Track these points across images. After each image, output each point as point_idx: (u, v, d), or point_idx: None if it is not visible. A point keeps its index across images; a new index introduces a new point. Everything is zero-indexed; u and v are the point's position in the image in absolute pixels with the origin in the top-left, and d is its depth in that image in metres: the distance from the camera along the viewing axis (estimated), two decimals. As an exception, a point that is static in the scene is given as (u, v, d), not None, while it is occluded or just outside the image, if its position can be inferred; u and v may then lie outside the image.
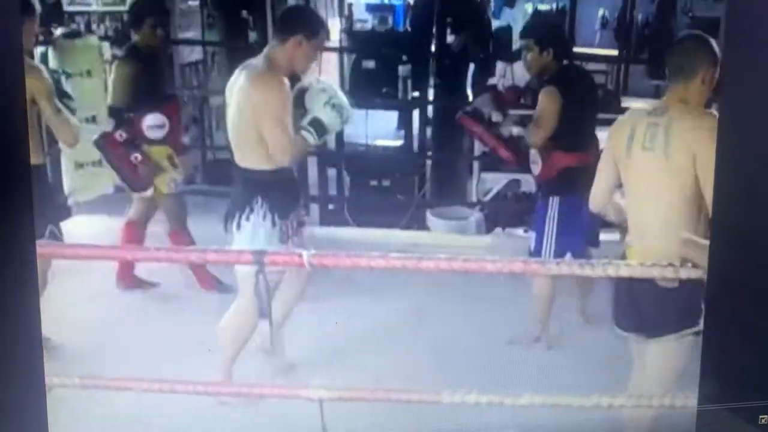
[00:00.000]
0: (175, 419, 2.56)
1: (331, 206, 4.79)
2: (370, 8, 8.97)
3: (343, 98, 2.78)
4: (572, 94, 3.11)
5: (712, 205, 2.39)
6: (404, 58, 4.74)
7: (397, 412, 2.54)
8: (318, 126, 2.74)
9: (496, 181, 4.59)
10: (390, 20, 8.46)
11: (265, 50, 2.77)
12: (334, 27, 7.29)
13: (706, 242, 2.32)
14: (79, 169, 4.18)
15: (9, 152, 2.36)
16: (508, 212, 4.55)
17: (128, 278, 3.70)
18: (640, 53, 7.12)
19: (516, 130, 3.15)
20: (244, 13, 6.34)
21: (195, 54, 5.84)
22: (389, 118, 5.13)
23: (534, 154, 3.21)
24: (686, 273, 2.28)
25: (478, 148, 4.57)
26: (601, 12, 8.41)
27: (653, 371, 2.45)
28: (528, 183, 4.78)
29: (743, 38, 2.44)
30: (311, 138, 2.74)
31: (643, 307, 2.38)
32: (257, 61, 2.75)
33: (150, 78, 3.68)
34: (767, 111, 2.55)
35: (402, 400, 2.35)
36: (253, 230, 2.72)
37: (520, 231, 4.45)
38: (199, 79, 5.92)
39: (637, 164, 2.36)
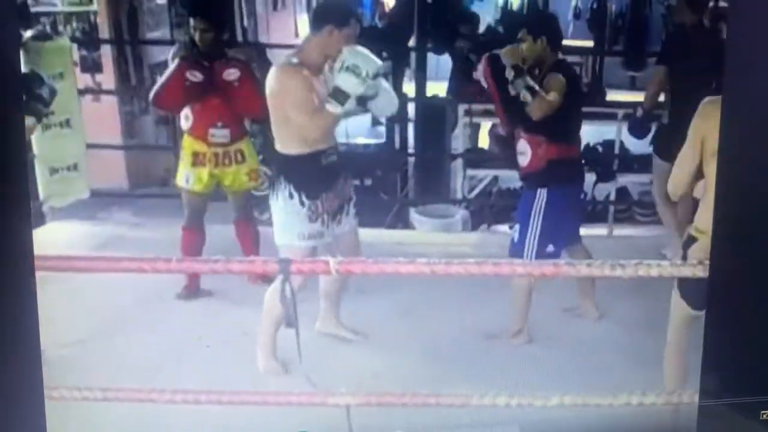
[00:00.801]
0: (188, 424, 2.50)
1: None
2: (340, 3, 8.88)
3: (359, 58, 2.84)
4: (570, 85, 3.11)
5: (714, 200, 2.37)
6: (384, 54, 4.65)
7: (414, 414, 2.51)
8: (338, 93, 2.84)
9: (481, 178, 4.56)
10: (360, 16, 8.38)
11: (301, 43, 3.02)
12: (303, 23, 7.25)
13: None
14: (54, 174, 4.06)
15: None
16: (493, 209, 4.52)
17: (194, 288, 3.65)
18: (615, 44, 7.14)
19: (523, 94, 3.07)
20: (214, 10, 6.23)
21: (164, 54, 5.69)
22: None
23: (523, 144, 3.18)
24: (656, 270, 2.24)
25: (462, 144, 4.54)
26: (573, 2, 8.43)
27: None
28: (507, 179, 4.77)
29: (746, 30, 2.40)
30: (333, 107, 2.84)
31: None
32: (286, 55, 2.96)
33: None
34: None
35: (430, 404, 2.30)
36: (284, 206, 2.96)
37: (504, 228, 4.42)
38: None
39: None
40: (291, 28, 6.74)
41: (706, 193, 2.45)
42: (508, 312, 3.28)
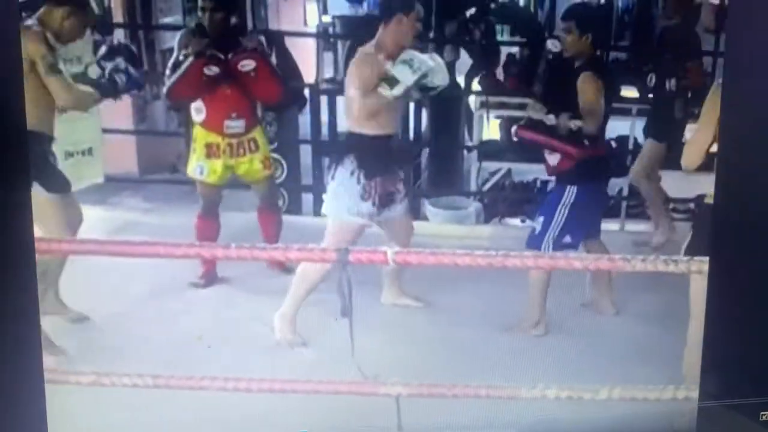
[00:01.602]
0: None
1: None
2: (344, -7, 8.86)
3: (415, 55, 3.12)
4: (605, 82, 3.17)
5: (713, 199, 2.41)
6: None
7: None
8: (389, 80, 3.11)
9: (494, 171, 4.57)
10: (365, 4, 8.37)
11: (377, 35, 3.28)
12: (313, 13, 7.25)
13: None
14: (68, 158, 4.05)
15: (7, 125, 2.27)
16: (506, 202, 4.54)
17: (212, 276, 3.64)
18: (621, 40, 7.15)
19: (573, 124, 3.16)
20: (224, -4, 6.21)
21: (176, 39, 5.67)
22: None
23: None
24: (696, 266, 2.28)
25: (476, 137, 4.55)
26: (579, -2, 8.43)
27: None
28: (520, 172, 4.79)
29: (745, 26, 2.44)
30: (384, 91, 3.11)
31: None
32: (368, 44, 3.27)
33: None
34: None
35: (481, 396, 2.33)
36: (340, 181, 3.22)
37: (516, 221, 4.46)
38: (181, 65, 5.77)
39: None
40: (300, 16, 6.72)
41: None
42: (527, 303, 3.32)
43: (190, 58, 3.58)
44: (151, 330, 3.23)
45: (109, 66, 3.41)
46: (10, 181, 2.30)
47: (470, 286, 3.40)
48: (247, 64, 3.65)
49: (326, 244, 3.08)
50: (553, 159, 3.29)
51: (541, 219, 3.36)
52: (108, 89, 3.38)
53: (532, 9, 6.40)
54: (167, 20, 5.68)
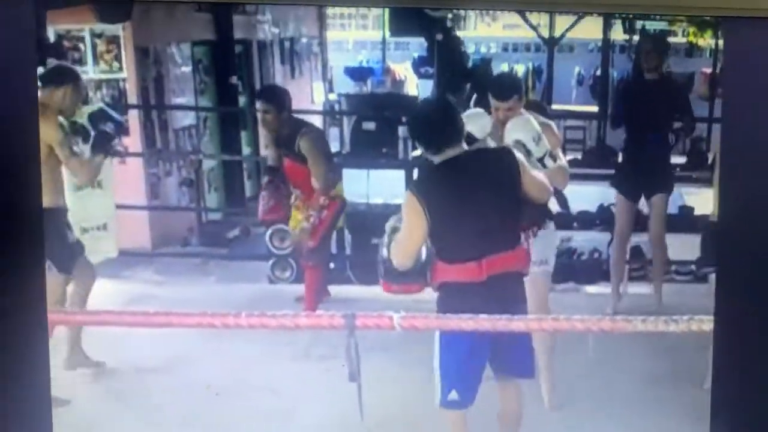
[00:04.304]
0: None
1: (332, 265, 4.80)
2: (349, 72, 9.17)
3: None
4: None
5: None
6: (404, 119, 4.84)
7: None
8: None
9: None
10: (369, 83, 8.65)
11: None
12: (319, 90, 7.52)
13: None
14: (84, 234, 4.17)
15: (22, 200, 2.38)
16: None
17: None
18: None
19: None
20: (234, 79, 6.47)
21: (188, 119, 5.90)
22: (390, 177, 5.21)
23: None
24: (708, 326, 2.33)
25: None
26: (577, 69, 8.70)
27: None
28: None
29: (742, 40, 2.49)
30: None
31: None
32: None
33: None
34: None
35: None
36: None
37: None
38: (193, 143, 5.97)
39: None
40: (308, 94, 6.96)
41: None
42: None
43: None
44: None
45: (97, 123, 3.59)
46: (26, 258, 2.39)
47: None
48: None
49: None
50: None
51: None
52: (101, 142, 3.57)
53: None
54: (179, 101, 5.93)
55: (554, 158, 2.98)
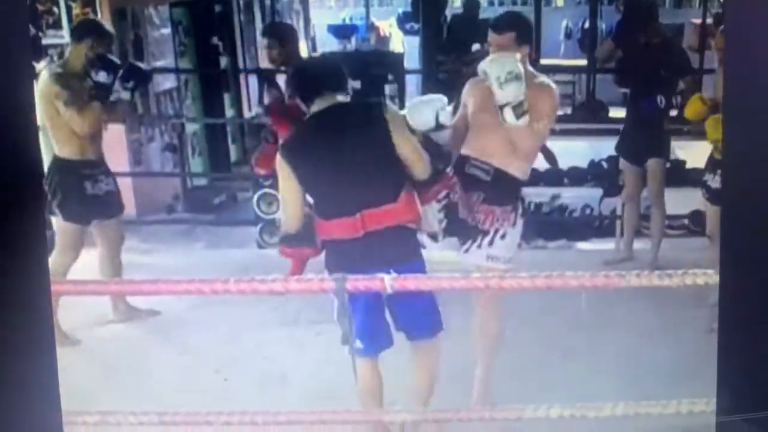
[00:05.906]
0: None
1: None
2: (333, 30, 9.01)
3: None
4: None
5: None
6: (389, 77, 4.75)
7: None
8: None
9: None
10: (353, 40, 8.52)
11: None
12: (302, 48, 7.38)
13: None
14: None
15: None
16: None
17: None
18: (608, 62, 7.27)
19: None
20: (215, 39, 6.34)
21: (169, 82, 5.77)
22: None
23: None
24: (702, 279, 2.29)
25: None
26: (564, 23, 8.60)
27: None
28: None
29: (743, 28, 2.45)
30: None
31: None
32: None
33: None
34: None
35: (485, 419, 2.31)
36: None
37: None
38: (174, 107, 5.85)
39: None
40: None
41: None
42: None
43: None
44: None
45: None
46: (28, 215, 2.33)
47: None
48: None
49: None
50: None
51: None
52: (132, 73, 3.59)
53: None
54: (159, 64, 5.79)
55: (521, 114, 2.76)
